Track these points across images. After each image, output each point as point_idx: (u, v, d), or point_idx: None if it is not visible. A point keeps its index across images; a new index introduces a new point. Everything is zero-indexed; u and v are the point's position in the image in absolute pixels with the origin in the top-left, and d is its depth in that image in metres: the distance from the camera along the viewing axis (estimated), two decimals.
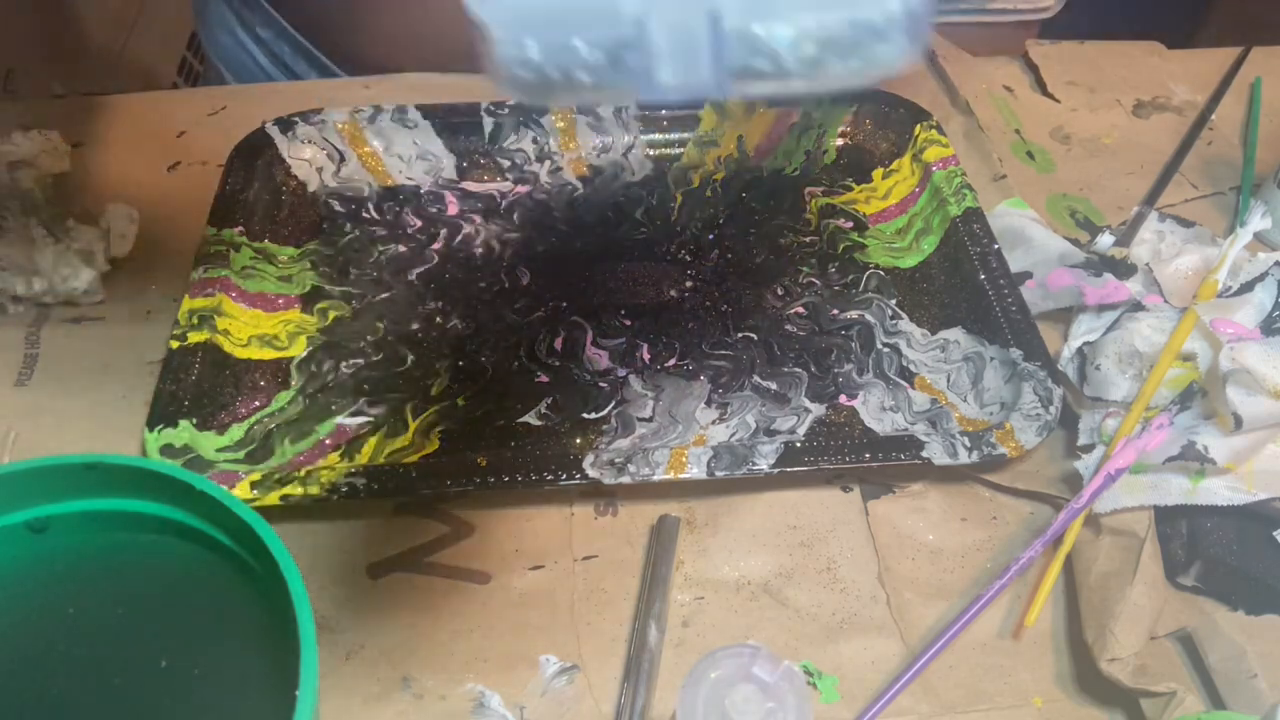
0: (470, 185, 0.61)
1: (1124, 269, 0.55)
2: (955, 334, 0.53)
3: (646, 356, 0.52)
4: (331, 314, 0.54)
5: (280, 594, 0.34)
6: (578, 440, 0.49)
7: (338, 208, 0.59)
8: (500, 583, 0.44)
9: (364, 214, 0.59)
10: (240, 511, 0.35)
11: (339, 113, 0.61)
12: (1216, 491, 0.44)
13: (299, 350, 0.52)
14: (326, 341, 0.52)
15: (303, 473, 0.45)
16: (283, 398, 0.50)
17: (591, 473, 0.45)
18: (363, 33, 0.68)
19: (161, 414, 0.46)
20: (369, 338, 0.53)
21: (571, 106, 0.61)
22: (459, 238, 0.58)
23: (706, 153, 0.63)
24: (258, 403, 0.49)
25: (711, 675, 0.34)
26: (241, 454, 0.47)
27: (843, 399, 0.51)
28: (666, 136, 0.63)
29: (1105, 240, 0.58)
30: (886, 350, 0.53)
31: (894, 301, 0.55)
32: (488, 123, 0.61)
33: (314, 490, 0.44)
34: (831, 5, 0.23)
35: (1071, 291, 0.53)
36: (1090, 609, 0.42)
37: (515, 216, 0.60)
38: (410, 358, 0.52)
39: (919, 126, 0.62)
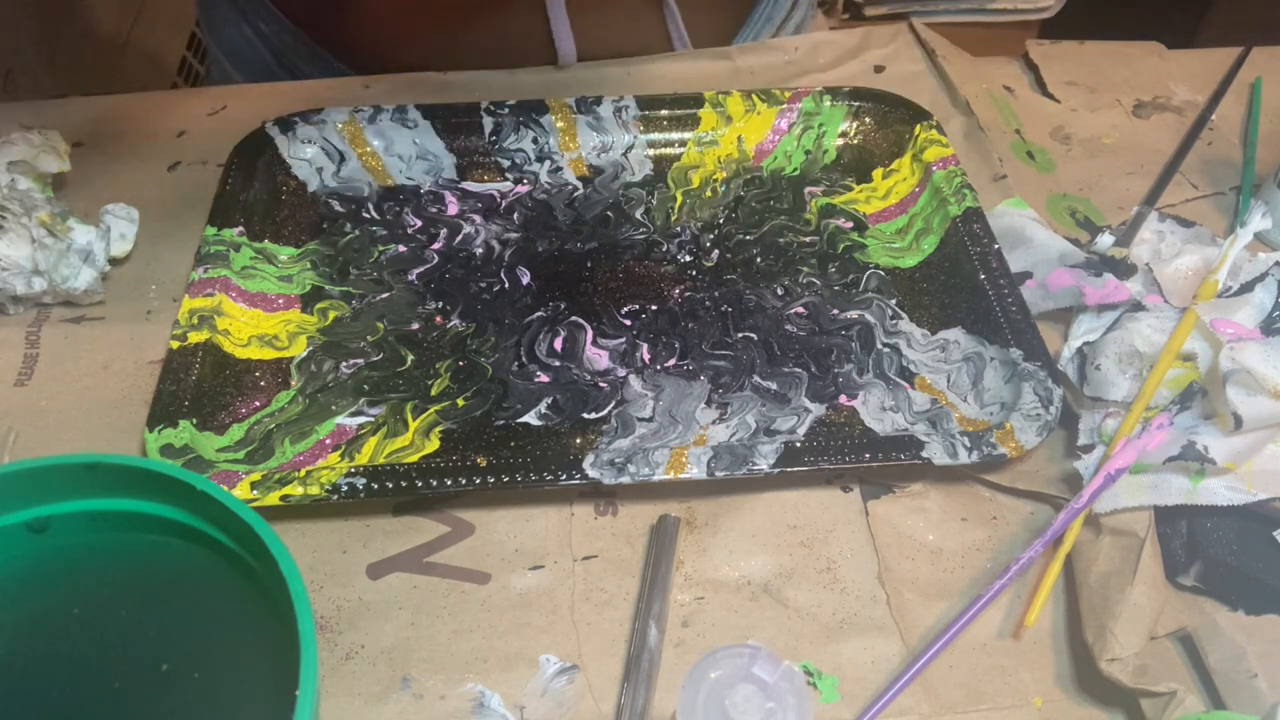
0: (470, 185, 0.61)
1: (1124, 269, 0.55)
2: (955, 334, 0.53)
3: (646, 356, 0.52)
4: (331, 314, 0.54)
5: (280, 594, 0.34)
6: (578, 440, 0.49)
7: (338, 208, 0.59)
8: (500, 583, 0.44)
9: (364, 214, 0.59)
10: (240, 511, 0.35)
11: (339, 113, 0.61)
12: (1216, 491, 0.44)
13: (299, 350, 0.52)
14: (326, 341, 0.52)
15: (303, 473, 0.45)
16: (283, 398, 0.50)
17: (591, 473, 0.45)
18: (363, 28, 0.68)
19: (161, 414, 0.46)
20: (369, 338, 0.53)
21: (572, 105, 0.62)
22: (459, 238, 0.58)
23: (706, 153, 0.63)
24: (258, 403, 0.49)
25: (711, 675, 0.34)
26: (241, 454, 0.47)
27: (843, 399, 0.51)
28: (666, 136, 0.63)
29: (1105, 240, 0.58)
30: (886, 350, 0.53)
31: (894, 301, 0.55)
32: (488, 123, 0.61)
33: (314, 490, 0.44)
34: None
35: (1071, 291, 0.53)
36: (1090, 609, 0.42)
37: (515, 216, 0.60)
38: (410, 358, 0.52)
39: (919, 126, 0.62)
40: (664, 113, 0.63)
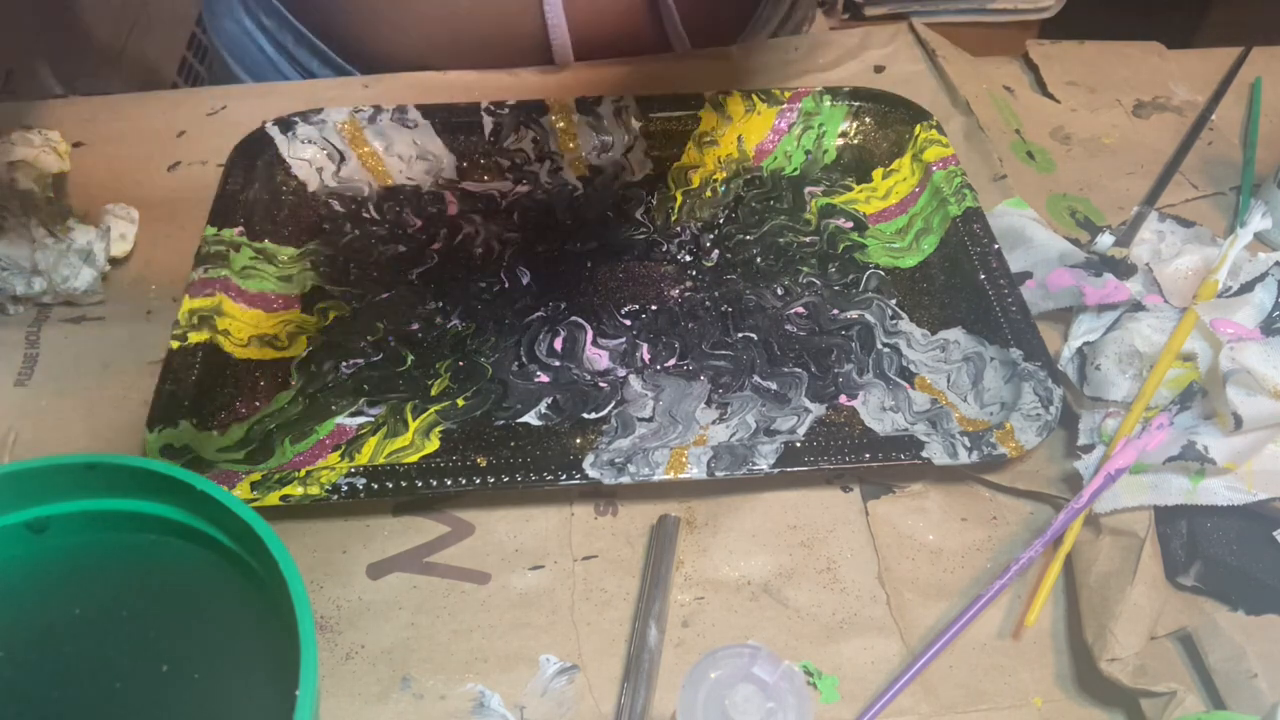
0: (470, 185, 0.61)
1: (1124, 269, 0.55)
2: (955, 334, 0.53)
3: (646, 356, 0.52)
4: (331, 314, 0.54)
5: (280, 594, 0.34)
6: (578, 440, 0.49)
7: (338, 208, 0.59)
8: (500, 583, 0.44)
9: (364, 214, 0.59)
10: (240, 511, 0.35)
11: (339, 113, 0.61)
12: (1216, 491, 0.44)
13: (299, 350, 0.52)
14: (326, 341, 0.52)
15: (303, 473, 0.45)
16: (283, 398, 0.50)
17: (591, 473, 0.45)
18: (365, 23, 0.68)
19: (161, 414, 0.46)
20: (369, 338, 0.53)
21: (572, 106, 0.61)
22: (459, 238, 0.58)
23: (706, 153, 0.63)
24: (258, 403, 0.49)
25: (711, 675, 0.34)
26: (241, 454, 0.47)
27: (843, 399, 0.51)
28: (667, 136, 0.63)
29: (1105, 240, 0.58)
30: (886, 350, 0.53)
31: (894, 301, 0.55)
32: (488, 123, 0.61)
33: (314, 490, 0.44)
34: None
35: (1071, 291, 0.53)
36: (1090, 609, 0.42)
37: (515, 216, 0.60)
38: (410, 358, 0.52)
39: (919, 126, 0.62)
40: (664, 113, 0.63)
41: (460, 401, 0.50)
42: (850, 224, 0.60)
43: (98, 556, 0.38)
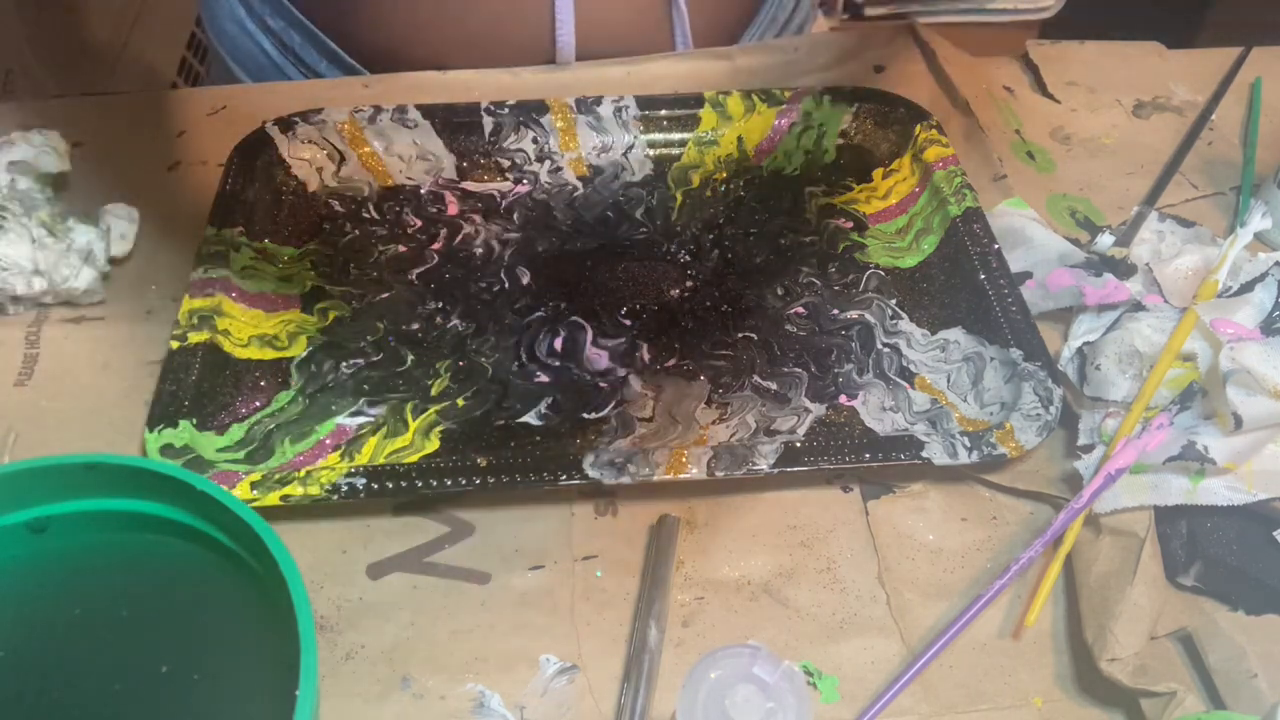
0: (470, 185, 0.61)
1: (1124, 269, 0.55)
2: (955, 334, 0.53)
3: (646, 356, 0.52)
4: (331, 314, 0.54)
5: (280, 594, 0.34)
6: (578, 440, 0.49)
7: (338, 208, 0.59)
8: (500, 583, 0.44)
9: (364, 214, 0.59)
10: (240, 511, 0.36)
11: (339, 113, 0.61)
12: (1216, 491, 0.44)
13: (299, 350, 0.52)
14: (326, 341, 0.52)
15: (303, 473, 0.45)
16: (283, 398, 0.50)
17: (591, 473, 0.45)
18: (372, 21, 0.68)
19: (161, 414, 0.46)
20: (369, 338, 0.53)
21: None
22: (459, 238, 0.58)
23: (706, 153, 0.63)
24: (258, 403, 0.49)
25: (711, 675, 0.34)
26: (241, 454, 0.47)
27: (843, 399, 0.51)
28: (666, 136, 0.63)
29: (1105, 240, 0.58)
30: (886, 350, 0.53)
31: (894, 301, 0.55)
32: (488, 123, 0.61)
33: (314, 490, 0.44)
34: None
35: (1071, 291, 0.53)
36: (1090, 609, 0.42)
37: (515, 216, 0.60)
38: (410, 358, 0.52)
39: (919, 126, 0.62)
40: (664, 113, 0.63)
41: (460, 401, 0.50)
42: (850, 224, 0.60)
43: (98, 556, 0.38)
